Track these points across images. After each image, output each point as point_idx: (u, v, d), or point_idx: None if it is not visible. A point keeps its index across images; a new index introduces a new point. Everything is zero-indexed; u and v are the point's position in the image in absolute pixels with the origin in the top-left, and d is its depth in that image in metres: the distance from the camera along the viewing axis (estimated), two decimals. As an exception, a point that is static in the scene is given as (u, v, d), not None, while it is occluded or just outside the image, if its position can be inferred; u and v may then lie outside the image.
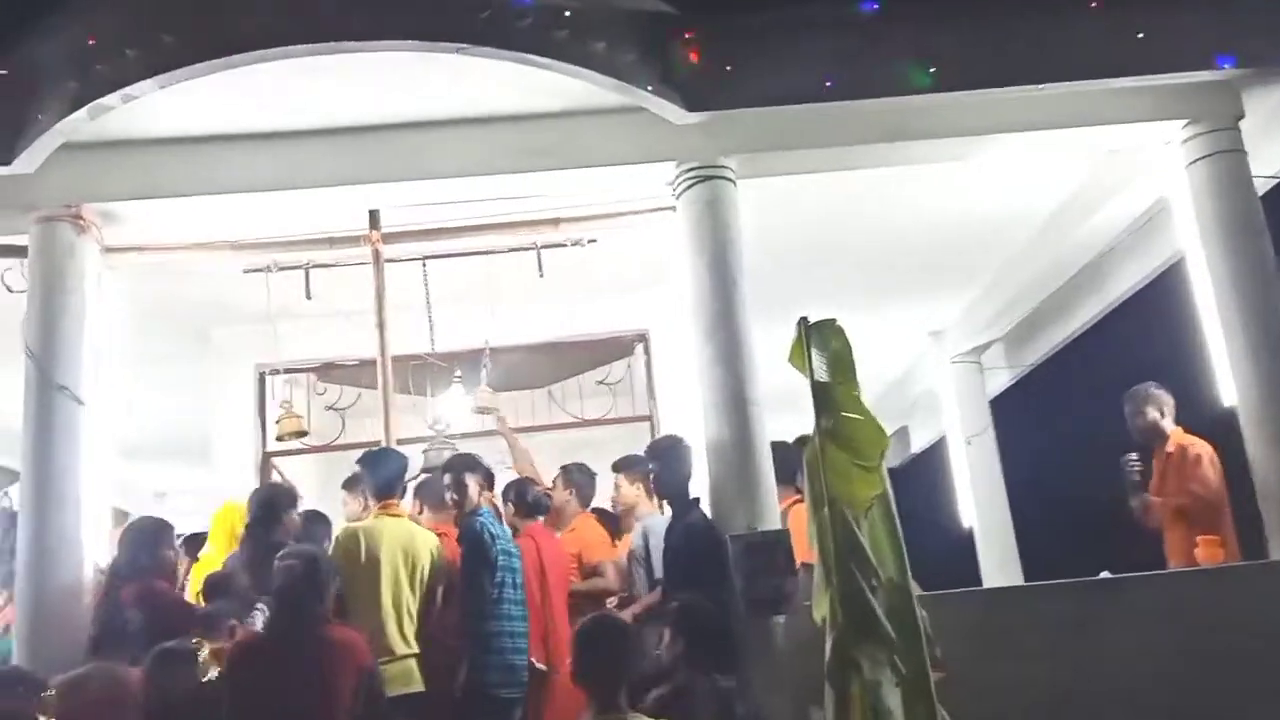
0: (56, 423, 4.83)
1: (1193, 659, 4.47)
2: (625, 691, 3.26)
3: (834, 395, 3.31)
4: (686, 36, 4.84)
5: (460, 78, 4.81)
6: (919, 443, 11.03)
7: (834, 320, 3.38)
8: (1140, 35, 5.05)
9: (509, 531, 4.76)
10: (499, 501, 4.97)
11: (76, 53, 4.47)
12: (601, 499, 5.49)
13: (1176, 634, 4.54)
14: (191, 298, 6.71)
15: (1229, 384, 5.22)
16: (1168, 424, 5.21)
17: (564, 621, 4.69)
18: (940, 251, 6.97)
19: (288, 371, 7.37)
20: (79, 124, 4.59)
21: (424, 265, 6.28)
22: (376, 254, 5.64)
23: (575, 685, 3.39)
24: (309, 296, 6.17)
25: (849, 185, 5.77)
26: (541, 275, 6.12)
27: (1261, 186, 5.59)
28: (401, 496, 4.81)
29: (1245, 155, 5.31)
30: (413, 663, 4.35)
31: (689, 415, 5.20)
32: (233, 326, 7.09)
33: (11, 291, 5.26)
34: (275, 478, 7.20)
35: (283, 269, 6.19)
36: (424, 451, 5.86)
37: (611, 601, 4.75)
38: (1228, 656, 4.48)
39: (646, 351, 7.52)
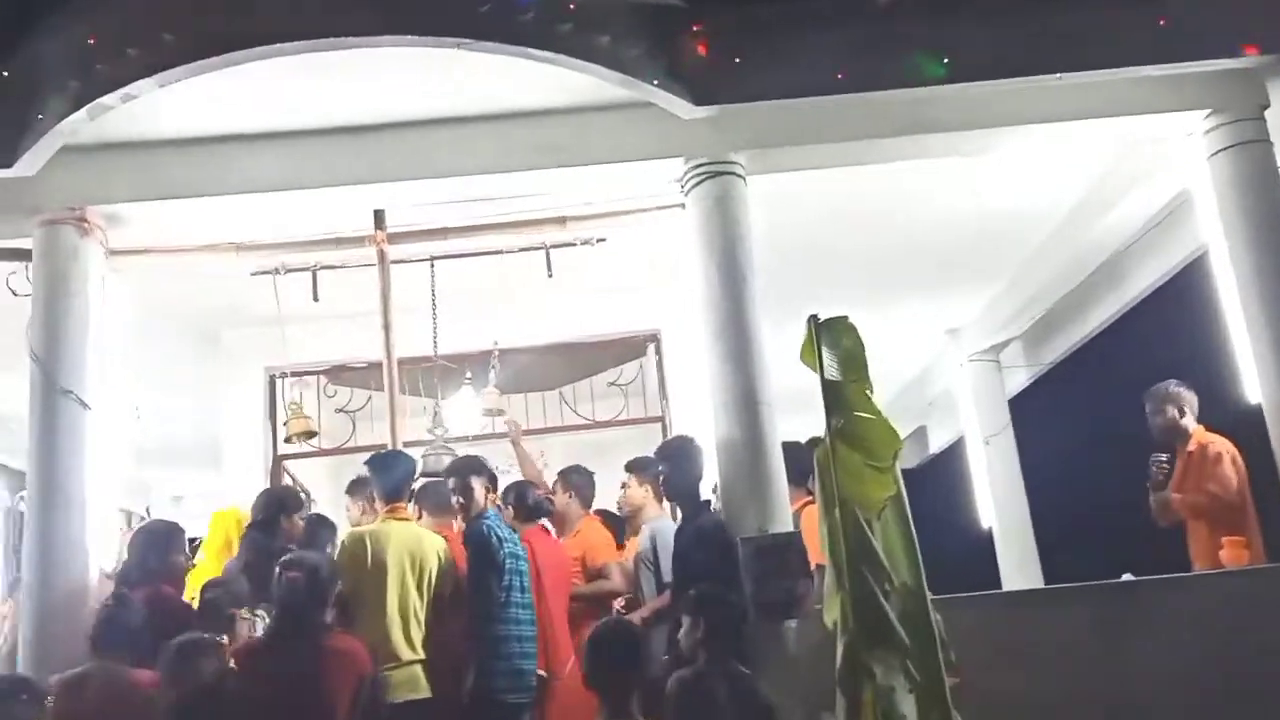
0: (61, 427, 4.81)
1: (1218, 663, 4.37)
2: (638, 697, 3.21)
3: (845, 394, 3.25)
4: (694, 29, 4.76)
5: (465, 74, 4.76)
6: (937, 443, 10.92)
7: (845, 318, 3.32)
8: (1162, 23, 4.93)
9: (516, 535, 4.71)
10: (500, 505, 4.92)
11: (77, 53, 4.45)
12: (610, 500, 5.43)
13: (1201, 638, 4.42)
14: (200, 300, 6.70)
15: (1254, 381, 5.10)
16: (1189, 423, 5.11)
17: (563, 627, 4.65)
18: (957, 248, 6.87)
19: (298, 374, 7.38)
20: (80, 124, 4.57)
21: (431, 266, 6.24)
22: (382, 254, 5.61)
23: (587, 689, 3.37)
24: (316, 298, 6.15)
25: (862, 181, 5.68)
26: (551, 275, 6.07)
27: (1287, 178, 5.47)
28: (407, 501, 4.75)
29: (1270, 145, 5.16)
30: (419, 669, 4.29)
31: (701, 416, 5.13)
32: (242, 329, 7.09)
33: (16, 295, 5.25)
34: (286, 481, 7.21)
35: (290, 271, 6.17)
36: (423, 456, 5.81)
37: (618, 604, 4.70)
38: (1254, 660, 4.37)
39: (658, 352, 7.49)
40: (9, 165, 4.74)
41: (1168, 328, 7.94)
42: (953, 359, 8.86)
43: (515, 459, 6.14)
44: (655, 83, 4.74)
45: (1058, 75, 4.94)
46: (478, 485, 4.65)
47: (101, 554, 4.80)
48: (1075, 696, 4.34)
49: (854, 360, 3.28)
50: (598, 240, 5.98)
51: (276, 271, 6.17)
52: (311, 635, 3.61)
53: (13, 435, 5.09)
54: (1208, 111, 5.23)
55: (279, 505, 4.73)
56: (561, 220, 5.73)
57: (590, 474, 5.36)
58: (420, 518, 4.86)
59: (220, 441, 7.51)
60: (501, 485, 4.93)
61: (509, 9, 4.29)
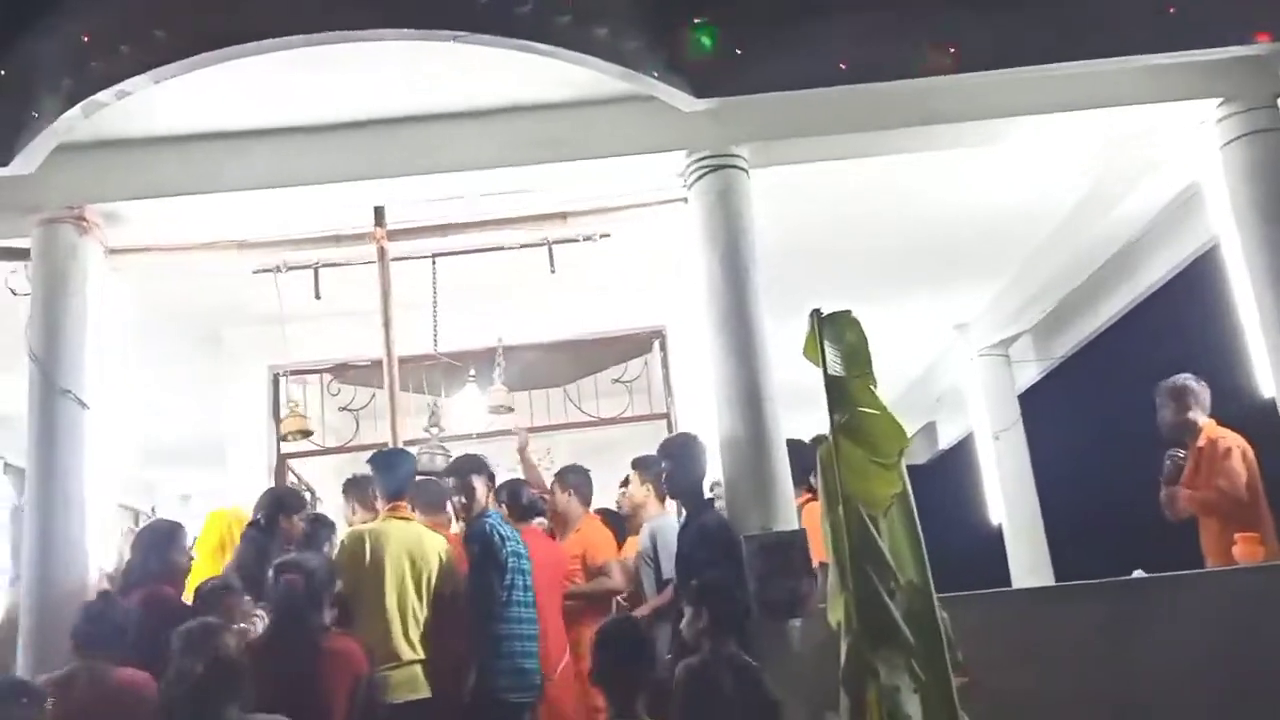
0: (60, 426, 4.79)
1: (1230, 661, 4.29)
2: (643, 697, 3.21)
3: (849, 389, 3.21)
4: (694, 20, 4.69)
5: (464, 69, 4.71)
6: (946, 439, 10.86)
7: (848, 312, 3.28)
8: (1172, 9, 4.85)
9: (518, 533, 4.67)
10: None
11: (71, 50, 4.42)
12: (613, 498, 5.40)
13: (1214, 635, 4.35)
14: (202, 299, 6.68)
15: (1267, 374, 5.02)
16: (1199, 417, 5.03)
17: (556, 626, 4.63)
18: (964, 241, 6.80)
19: (301, 372, 7.36)
20: (75, 122, 4.55)
21: (433, 263, 6.20)
22: (382, 251, 5.57)
23: (593, 687, 3.39)
24: (318, 296, 6.11)
25: (867, 173, 5.62)
26: (553, 271, 6.02)
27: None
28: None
29: (1284, 135, 5.09)
30: (418, 668, 4.25)
31: (706, 413, 5.08)
32: (245, 328, 7.07)
33: (16, 295, 5.23)
34: (290, 479, 7.19)
35: (292, 269, 6.15)
36: (418, 454, 5.78)
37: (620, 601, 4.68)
38: (1267, 658, 4.30)
39: (663, 348, 7.45)
40: (5, 164, 4.71)
41: (1179, 321, 7.87)
42: (961, 354, 8.78)
43: (519, 462, 6.08)
44: (655, 75, 4.68)
45: (1066, 64, 4.86)
46: (479, 484, 4.63)
47: (101, 553, 4.78)
48: (1086, 695, 4.28)
49: (857, 355, 3.24)
50: (601, 236, 5.93)
51: (278, 269, 6.15)
52: (308, 636, 3.59)
53: (18, 435, 5.08)
54: (1219, 100, 5.14)
55: (279, 505, 4.69)
56: (563, 216, 5.68)
57: (587, 473, 5.34)
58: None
59: (224, 440, 7.49)
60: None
61: (506, 1, 4.23)
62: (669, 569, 4.57)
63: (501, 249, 6.06)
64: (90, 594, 4.55)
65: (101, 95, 4.37)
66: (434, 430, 6.40)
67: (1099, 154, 5.99)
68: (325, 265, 6.10)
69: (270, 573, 3.73)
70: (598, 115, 5.05)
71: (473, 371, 7.39)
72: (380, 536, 4.38)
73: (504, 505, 4.83)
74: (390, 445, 5.26)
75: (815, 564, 4.31)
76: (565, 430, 7.49)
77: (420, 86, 4.89)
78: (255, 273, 6.15)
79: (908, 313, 7.65)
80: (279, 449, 7.13)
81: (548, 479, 5.63)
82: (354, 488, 5.27)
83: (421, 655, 4.28)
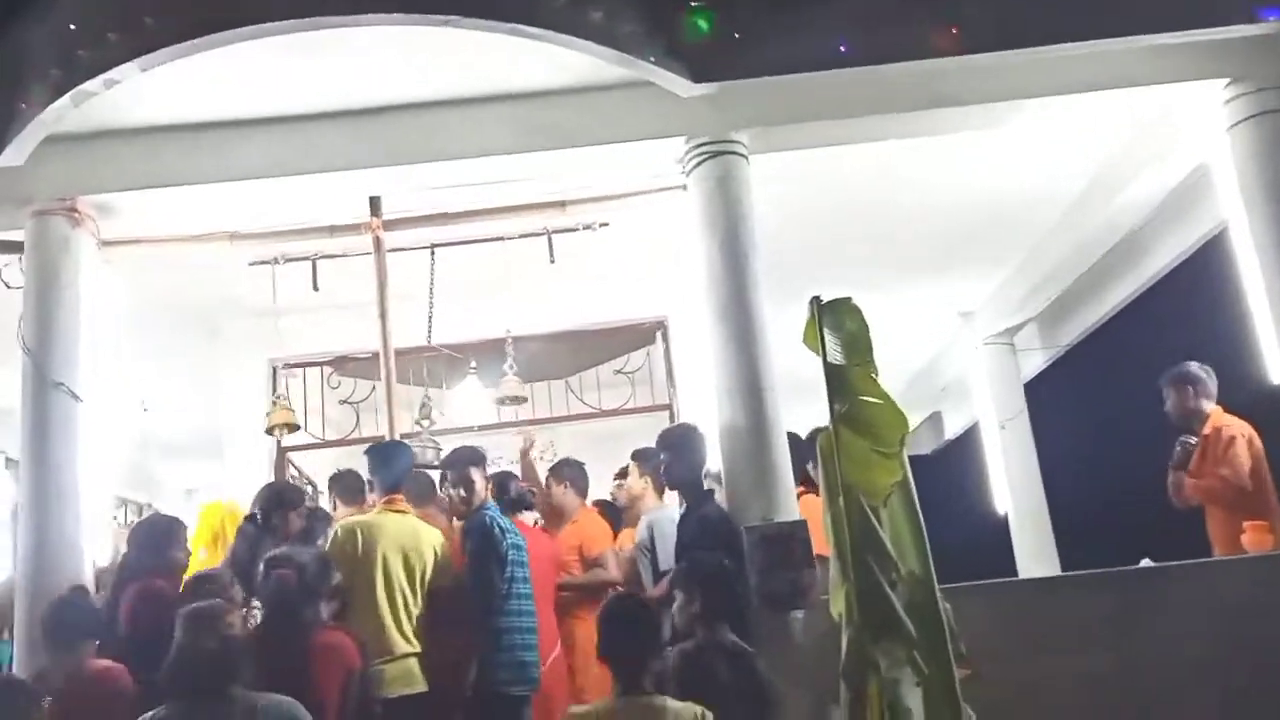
0: (54, 419, 4.76)
1: (1238, 650, 4.25)
2: (651, 673, 3.20)
3: (849, 378, 3.17)
4: (691, 3, 4.62)
5: (459, 55, 4.66)
6: (952, 429, 10.79)
7: (849, 299, 3.23)
8: (1177, -12, 4.77)
9: (517, 526, 4.64)
10: None
11: (58, 40, 4.38)
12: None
13: (1222, 625, 4.30)
14: (200, 292, 6.64)
15: (1276, 361, 4.95)
16: (1206, 405, 5.00)
17: (548, 618, 4.61)
18: (968, 228, 6.72)
19: (300, 365, 7.32)
20: (64, 111, 4.50)
21: (431, 254, 6.14)
22: (378, 241, 5.53)
23: (600, 663, 3.34)
24: (316, 288, 6.07)
25: (868, 159, 5.54)
26: (553, 261, 5.97)
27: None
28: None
29: (1293, 115, 5.00)
30: (413, 662, 4.21)
31: (709, 403, 5.02)
32: (243, 321, 7.02)
33: (9, 288, 5.20)
34: (291, 472, 7.16)
35: (290, 260, 6.10)
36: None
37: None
38: (1277, 648, 4.25)
39: (665, 339, 7.41)
40: (-4, 155, 4.68)
41: (1186, 307, 7.79)
42: (966, 342, 8.71)
43: (519, 460, 6.04)
44: (652, 60, 4.61)
45: (1071, 44, 4.78)
46: (478, 477, 4.59)
47: (96, 546, 4.75)
48: (1093, 684, 4.24)
49: (858, 342, 3.20)
50: (600, 225, 5.88)
51: (275, 261, 6.10)
52: (299, 631, 3.56)
53: (17, 430, 5.07)
54: (1227, 81, 5.05)
55: (276, 500, 4.65)
56: (561, 204, 5.63)
57: (582, 466, 5.32)
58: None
59: (224, 434, 7.46)
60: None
61: (499, -16, 4.17)
62: (666, 561, 4.53)
63: (501, 239, 6.01)
64: (88, 588, 4.54)
65: (90, 84, 4.33)
66: (424, 423, 6.35)
67: (1105, 138, 5.91)
68: (323, 257, 6.05)
69: (261, 567, 3.68)
70: (595, 101, 4.99)
71: (473, 364, 7.35)
72: (372, 529, 4.33)
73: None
74: (387, 437, 5.22)
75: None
76: (568, 422, 7.46)
77: (414, 73, 4.84)
78: (252, 265, 6.11)
79: (911, 301, 7.58)
80: (279, 442, 7.10)
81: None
82: (337, 482, 5.24)
83: (417, 649, 4.23)
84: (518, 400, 6.83)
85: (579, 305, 7.08)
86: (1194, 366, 5.07)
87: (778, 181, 5.20)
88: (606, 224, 5.88)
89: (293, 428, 6.26)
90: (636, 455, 5.17)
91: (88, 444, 4.80)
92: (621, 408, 7.39)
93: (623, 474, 5.32)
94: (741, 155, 5.03)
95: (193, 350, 7.26)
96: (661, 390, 7.36)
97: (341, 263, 6.03)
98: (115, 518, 6.15)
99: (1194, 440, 4.95)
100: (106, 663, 3.69)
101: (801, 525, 4.38)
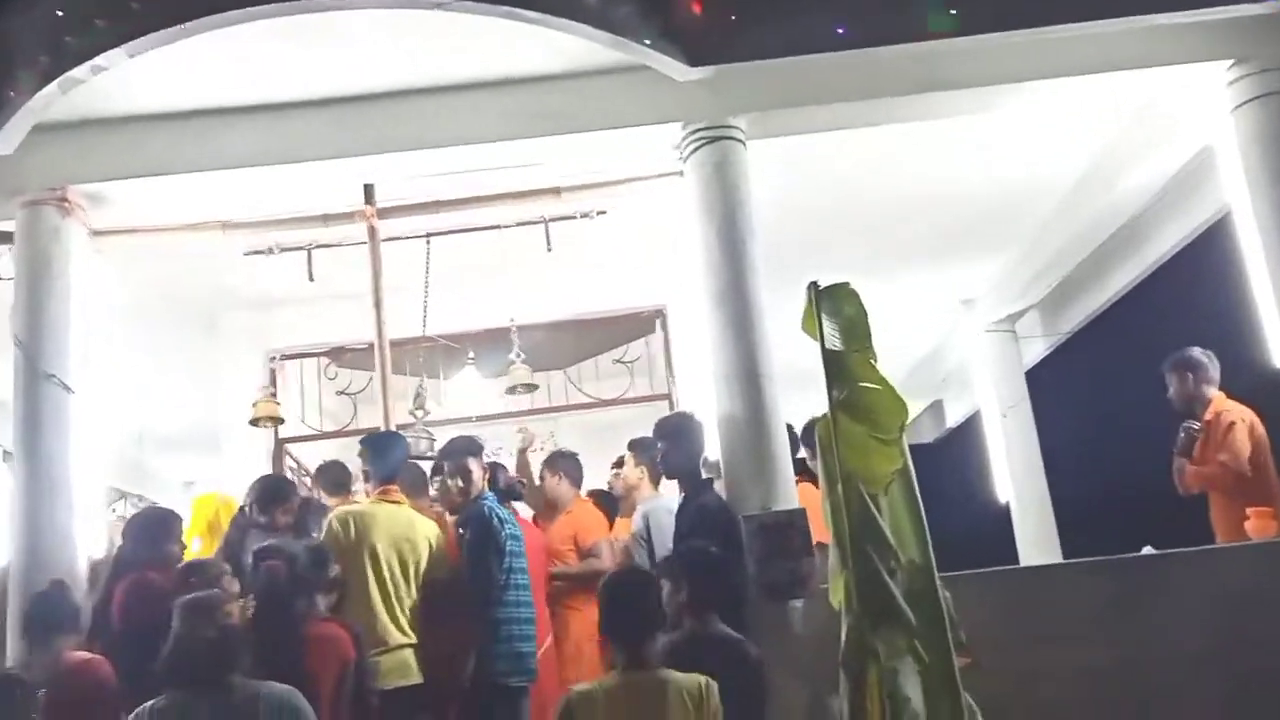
0: (45, 411, 4.73)
1: (1243, 639, 4.22)
2: (653, 647, 3.19)
3: (848, 364, 3.12)
4: (687, -13, 4.57)
5: (453, 40, 4.61)
6: (954, 417, 10.76)
7: (847, 284, 3.18)
8: (1180, -33, 4.71)
9: (514, 516, 4.61)
10: None
11: (45, 27, 4.34)
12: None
13: (1225, 612, 4.26)
14: (195, 282, 6.61)
15: (1278, 345, 4.90)
16: (1209, 390, 4.97)
17: (540, 610, 4.56)
18: (969, 214, 6.67)
19: (298, 356, 7.28)
20: (52, 99, 4.47)
21: (428, 243, 6.09)
22: (372, 230, 5.48)
23: (602, 638, 3.37)
24: (311, 278, 6.02)
25: (868, 144, 5.49)
26: (549, 250, 5.92)
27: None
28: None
29: (1297, 97, 4.94)
30: (409, 653, 4.18)
31: (708, 393, 4.98)
32: (240, 311, 6.99)
33: (1, 279, 5.15)
34: (289, 464, 7.12)
35: (285, 250, 6.05)
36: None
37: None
38: (1277, 635, 4.21)
39: (664, 328, 7.36)
40: (-15, 144, 4.64)
41: (1189, 292, 7.75)
42: (968, 330, 8.67)
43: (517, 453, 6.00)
44: (648, 43, 4.56)
45: (1072, 25, 4.72)
46: (475, 467, 4.56)
47: (90, 538, 4.72)
48: (1094, 672, 4.20)
49: (856, 328, 3.15)
50: (597, 213, 5.83)
51: (270, 251, 6.06)
52: (291, 623, 3.54)
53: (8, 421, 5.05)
54: (1231, 62, 4.98)
55: (268, 493, 4.62)
56: (557, 191, 5.57)
57: (576, 456, 5.29)
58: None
59: (221, 426, 7.42)
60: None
61: (490, -33, 4.11)
62: (663, 551, 4.49)
63: (497, 228, 5.96)
64: (79, 581, 4.50)
65: (77, 71, 4.29)
66: (419, 413, 6.31)
67: (1106, 122, 5.85)
68: (319, 246, 6.00)
69: (250, 559, 3.65)
70: (590, 87, 4.94)
71: (471, 354, 7.31)
72: (365, 520, 4.29)
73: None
74: (383, 428, 5.18)
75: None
76: (566, 412, 7.41)
77: (405, 59, 4.79)
78: (247, 255, 6.06)
79: (912, 288, 7.54)
80: (276, 434, 7.06)
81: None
82: (322, 474, 5.20)
83: (412, 640, 4.20)
84: (530, 388, 6.80)
85: (577, 294, 7.03)
86: (1196, 352, 5.04)
87: (776, 167, 5.15)
88: (604, 211, 5.84)
89: (278, 421, 6.22)
90: (633, 444, 5.13)
91: (80, 435, 4.76)
92: (621, 397, 7.35)
93: (619, 463, 5.29)
94: (739, 140, 4.97)
95: (189, 342, 7.22)
96: (661, 380, 7.32)
97: (337, 252, 5.98)
98: (113, 509, 6.09)
99: (1198, 425, 4.92)
100: (86, 655, 3.67)
101: (800, 514, 4.34)
